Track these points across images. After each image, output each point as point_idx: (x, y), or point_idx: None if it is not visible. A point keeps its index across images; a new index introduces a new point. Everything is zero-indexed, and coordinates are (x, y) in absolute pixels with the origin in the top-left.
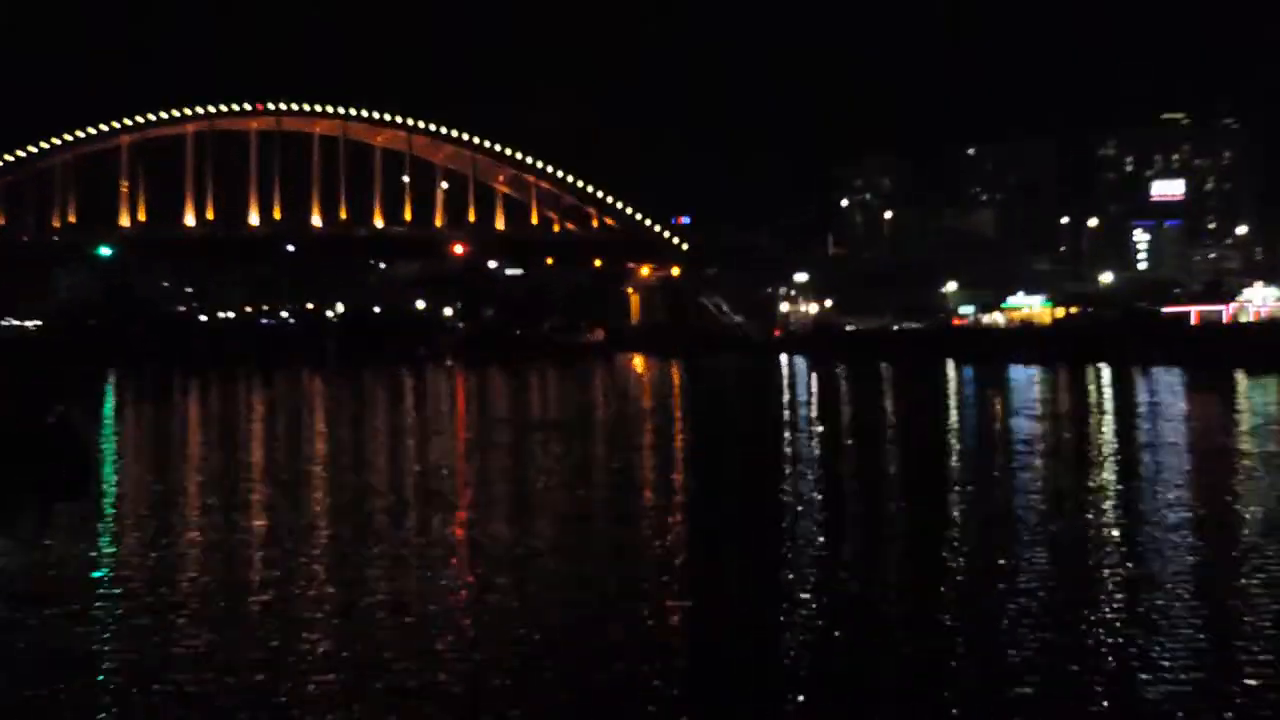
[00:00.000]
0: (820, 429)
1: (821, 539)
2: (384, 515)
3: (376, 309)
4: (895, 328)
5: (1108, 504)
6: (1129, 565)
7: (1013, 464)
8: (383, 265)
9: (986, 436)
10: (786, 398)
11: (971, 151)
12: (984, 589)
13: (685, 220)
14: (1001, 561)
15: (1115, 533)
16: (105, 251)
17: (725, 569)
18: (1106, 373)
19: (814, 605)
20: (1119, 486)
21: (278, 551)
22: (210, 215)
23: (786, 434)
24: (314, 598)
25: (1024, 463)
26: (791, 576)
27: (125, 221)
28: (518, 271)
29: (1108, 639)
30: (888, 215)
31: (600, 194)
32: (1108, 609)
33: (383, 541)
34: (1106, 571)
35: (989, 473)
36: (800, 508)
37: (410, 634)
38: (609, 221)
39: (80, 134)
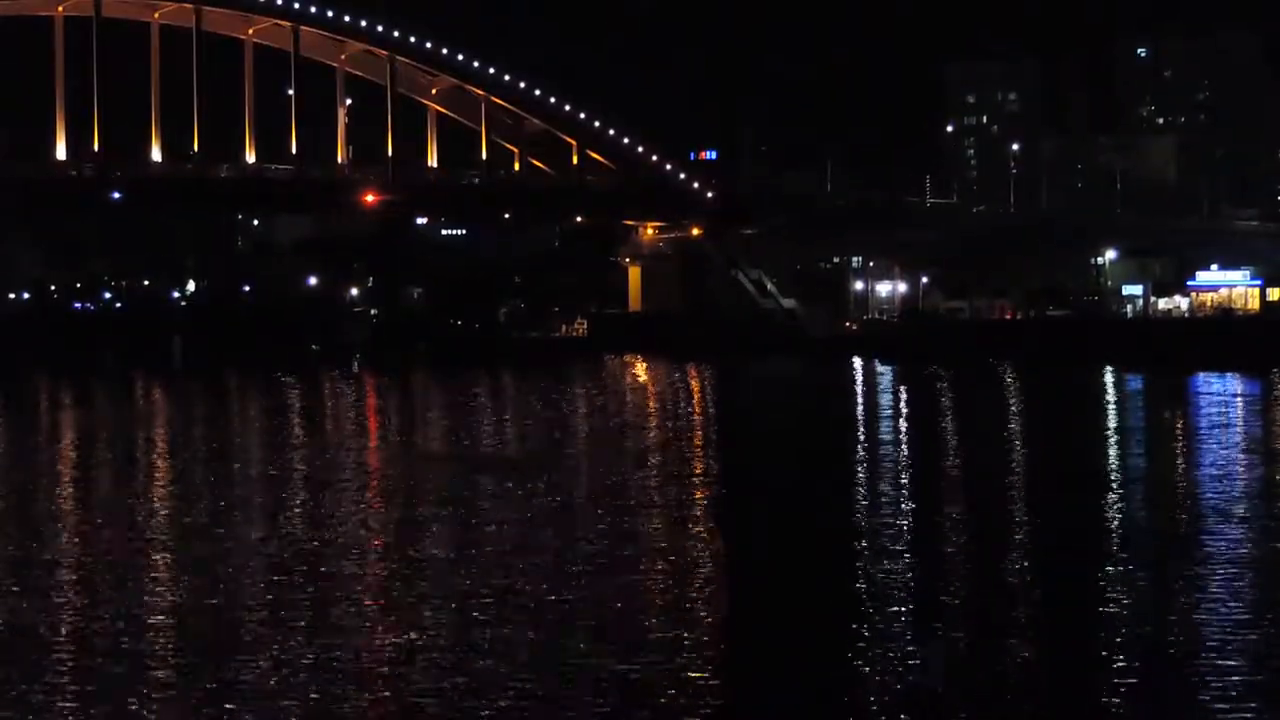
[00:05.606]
0: (915, 493)
1: None
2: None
3: (246, 287)
4: (1019, 316)
5: None
6: None
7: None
8: (256, 222)
9: (1189, 495)
10: (863, 434)
11: (1143, 52)
12: None
13: (710, 156)
14: None
15: None
16: None
17: None
18: None
19: None
20: None
21: None
22: None
23: (863, 516)
24: None
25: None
26: None
27: None
28: (458, 232)
29: None
30: (1015, 148)
31: (583, 115)
32: None
33: None
34: None
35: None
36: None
37: None
38: (596, 157)
39: None
